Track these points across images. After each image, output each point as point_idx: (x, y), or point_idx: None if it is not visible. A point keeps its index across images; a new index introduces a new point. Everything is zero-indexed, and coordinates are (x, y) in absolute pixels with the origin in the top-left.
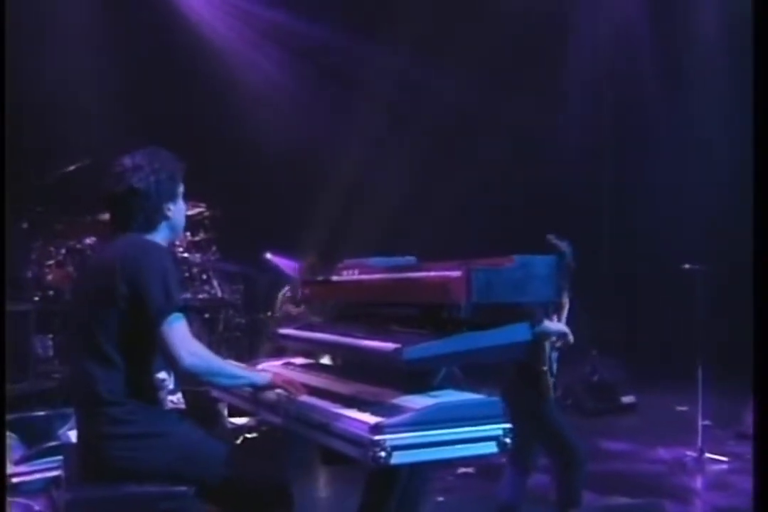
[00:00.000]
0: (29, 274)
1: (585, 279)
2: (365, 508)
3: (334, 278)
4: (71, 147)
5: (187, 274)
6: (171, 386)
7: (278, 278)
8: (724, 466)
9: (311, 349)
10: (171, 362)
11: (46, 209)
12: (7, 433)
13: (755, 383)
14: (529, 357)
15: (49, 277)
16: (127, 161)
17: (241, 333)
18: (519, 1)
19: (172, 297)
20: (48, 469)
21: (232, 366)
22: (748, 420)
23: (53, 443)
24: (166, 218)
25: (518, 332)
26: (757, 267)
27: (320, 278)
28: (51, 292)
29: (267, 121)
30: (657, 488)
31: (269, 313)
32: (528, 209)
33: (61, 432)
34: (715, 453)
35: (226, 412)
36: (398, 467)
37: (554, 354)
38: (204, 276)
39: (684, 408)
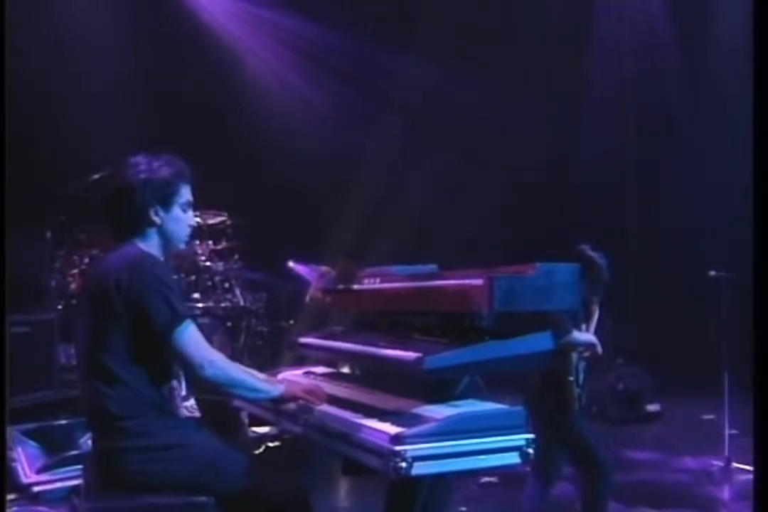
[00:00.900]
0: (53, 283)
1: (609, 286)
2: None
3: (356, 287)
4: (95, 156)
5: (209, 283)
6: (183, 393)
7: (301, 286)
8: (752, 476)
9: (332, 358)
10: (189, 371)
11: (69, 218)
12: (29, 442)
13: (755, 382)
14: (556, 367)
15: (73, 286)
16: (127, 160)
17: (264, 341)
18: (542, 5)
19: (176, 311)
20: (69, 478)
21: (253, 378)
22: None
23: (74, 452)
24: (155, 224)
25: (541, 341)
26: None
27: (341, 287)
28: (74, 301)
29: (293, 130)
30: (683, 498)
31: (291, 322)
32: (551, 216)
33: (82, 440)
34: (743, 463)
35: (247, 421)
36: (420, 478)
37: (582, 365)
38: (226, 285)
39: (710, 417)
